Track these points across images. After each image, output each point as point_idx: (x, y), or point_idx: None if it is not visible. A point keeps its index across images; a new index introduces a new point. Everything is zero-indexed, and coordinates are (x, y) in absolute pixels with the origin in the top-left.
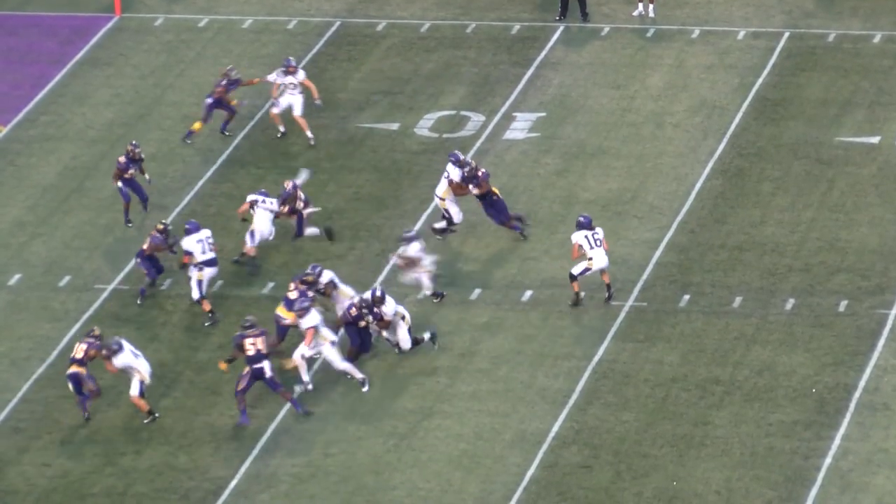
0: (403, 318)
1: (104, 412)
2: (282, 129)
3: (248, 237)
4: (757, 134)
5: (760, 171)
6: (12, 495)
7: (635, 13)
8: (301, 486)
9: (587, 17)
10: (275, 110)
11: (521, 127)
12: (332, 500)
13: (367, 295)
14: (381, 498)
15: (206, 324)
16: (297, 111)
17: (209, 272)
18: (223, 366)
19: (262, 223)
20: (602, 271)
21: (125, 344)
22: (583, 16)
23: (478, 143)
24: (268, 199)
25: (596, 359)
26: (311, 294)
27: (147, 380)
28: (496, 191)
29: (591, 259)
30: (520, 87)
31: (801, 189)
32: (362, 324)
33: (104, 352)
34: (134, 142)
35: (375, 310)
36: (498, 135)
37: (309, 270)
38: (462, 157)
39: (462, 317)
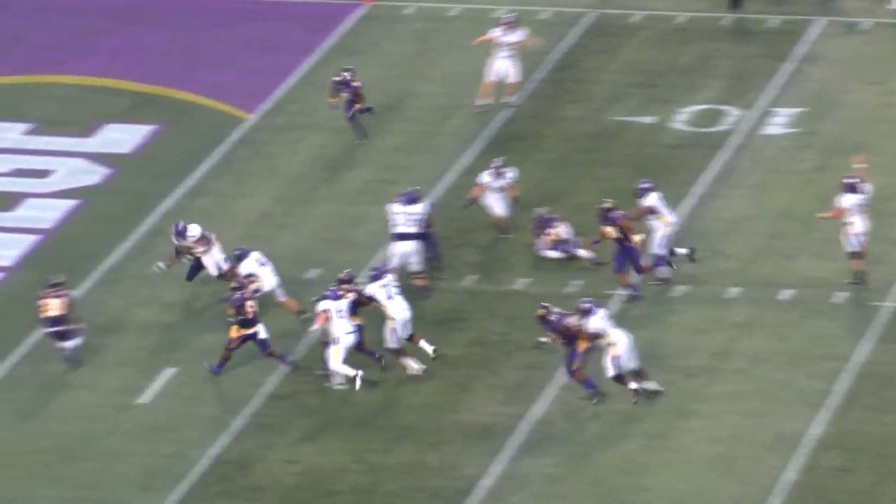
0: (611, 343)
1: (352, 407)
2: (488, 101)
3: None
4: None
5: None
6: (258, 492)
7: (891, 6)
8: (553, 487)
9: (739, 6)
10: (492, 78)
11: (780, 122)
12: (584, 501)
13: (585, 306)
14: (633, 499)
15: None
16: (512, 77)
17: (402, 246)
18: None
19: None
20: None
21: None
22: (733, 3)
23: (735, 139)
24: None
25: (855, 360)
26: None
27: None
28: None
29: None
30: (778, 81)
31: None
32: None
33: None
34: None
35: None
36: (755, 130)
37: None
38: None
39: (719, 315)
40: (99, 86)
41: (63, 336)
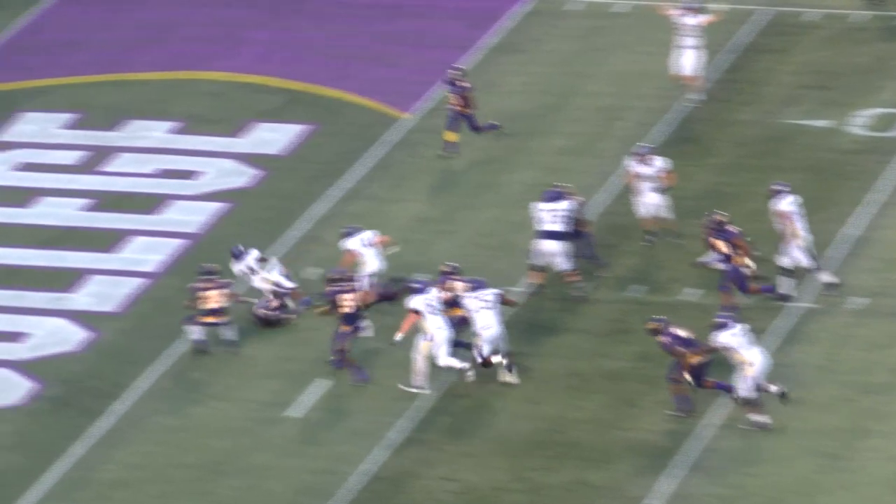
0: (746, 363)
1: (512, 423)
2: (696, 96)
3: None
4: None
5: None
6: None
7: None
8: None
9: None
10: (684, 71)
11: None
12: None
13: (720, 320)
14: None
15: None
16: (693, 70)
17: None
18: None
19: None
20: None
21: None
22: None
23: None
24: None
25: None
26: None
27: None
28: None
29: None
30: None
31: None
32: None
33: None
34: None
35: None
36: None
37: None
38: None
39: None
40: (249, 82)
41: (219, 327)
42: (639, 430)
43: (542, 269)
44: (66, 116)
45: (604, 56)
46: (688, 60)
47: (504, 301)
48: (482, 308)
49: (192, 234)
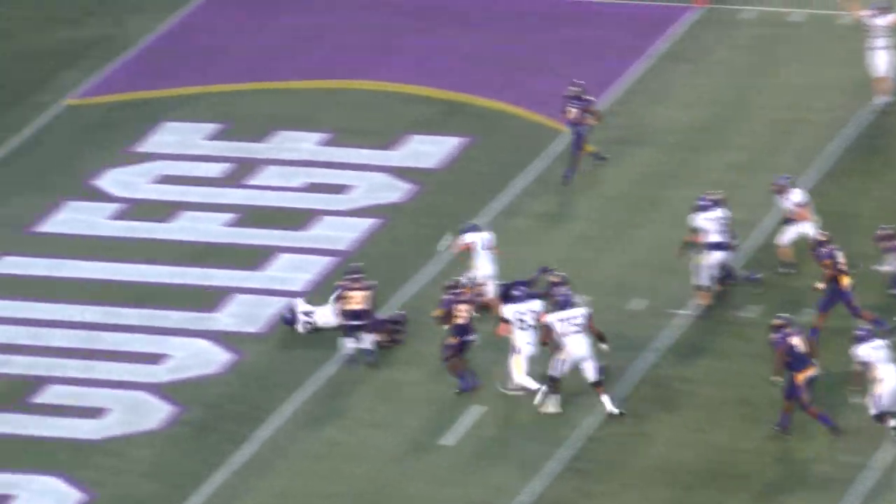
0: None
1: (674, 451)
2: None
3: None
4: None
5: None
6: None
7: None
8: None
9: None
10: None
11: None
12: None
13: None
14: None
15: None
16: (881, 69)
17: (717, 256)
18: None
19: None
20: None
21: None
22: None
23: None
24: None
25: None
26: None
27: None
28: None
29: None
30: None
31: None
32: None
33: None
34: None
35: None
36: None
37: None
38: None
39: None
40: (402, 92)
41: (358, 335)
42: (811, 461)
43: (709, 289)
44: (210, 127)
45: (777, 67)
46: (880, 61)
47: (589, 325)
48: (572, 333)
49: (341, 252)
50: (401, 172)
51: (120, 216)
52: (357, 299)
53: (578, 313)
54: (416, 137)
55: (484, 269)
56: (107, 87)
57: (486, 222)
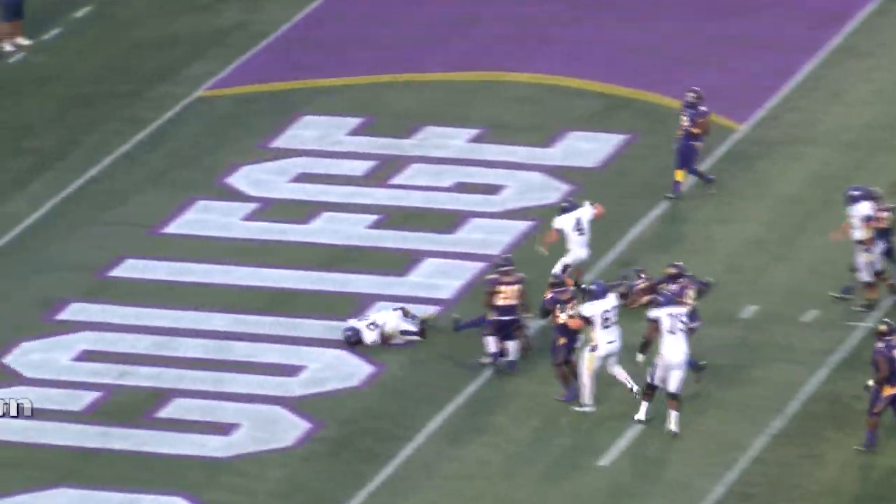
0: None
1: (843, 476)
2: None
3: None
4: None
5: None
6: None
7: None
8: None
9: None
10: None
11: None
12: None
13: None
14: None
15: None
16: None
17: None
18: None
19: None
20: None
21: None
22: None
23: None
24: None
25: None
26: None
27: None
28: None
29: None
30: None
31: None
32: None
33: None
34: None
35: None
36: None
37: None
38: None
39: None
40: (560, 85)
41: (507, 331)
42: None
43: (876, 282)
44: (352, 121)
45: None
46: None
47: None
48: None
49: (492, 257)
50: (558, 172)
51: (254, 217)
52: (508, 294)
53: (684, 311)
54: (575, 134)
55: (576, 254)
56: (240, 77)
57: (647, 228)
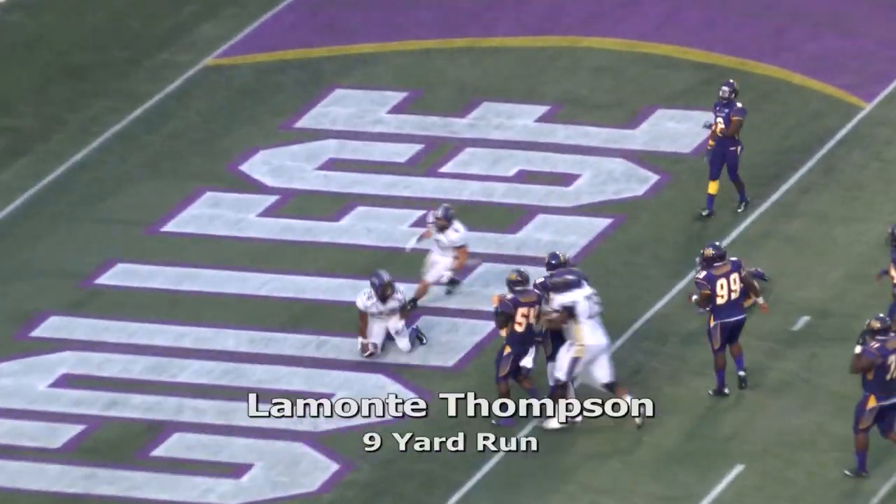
0: None
1: None
2: None
3: None
4: None
5: None
6: None
7: None
8: None
9: None
10: None
11: None
12: None
13: None
14: None
15: None
16: None
17: None
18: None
19: None
20: None
21: None
22: None
23: None
24: None
25: None
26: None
27: None
28: None
29: None
30: None
31: None
32: None
33: None
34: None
35: None
36: None
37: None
38: None
39: None
40: (648, 54)
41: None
42: None
43: None
44: (394, 95)
45: None
46: None
47: None
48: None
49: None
50: (644, 157)
51: (273, 212)
52: (529, 317)
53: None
54: (666, 113)
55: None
56: (259, 42)
57: (754, 224)
